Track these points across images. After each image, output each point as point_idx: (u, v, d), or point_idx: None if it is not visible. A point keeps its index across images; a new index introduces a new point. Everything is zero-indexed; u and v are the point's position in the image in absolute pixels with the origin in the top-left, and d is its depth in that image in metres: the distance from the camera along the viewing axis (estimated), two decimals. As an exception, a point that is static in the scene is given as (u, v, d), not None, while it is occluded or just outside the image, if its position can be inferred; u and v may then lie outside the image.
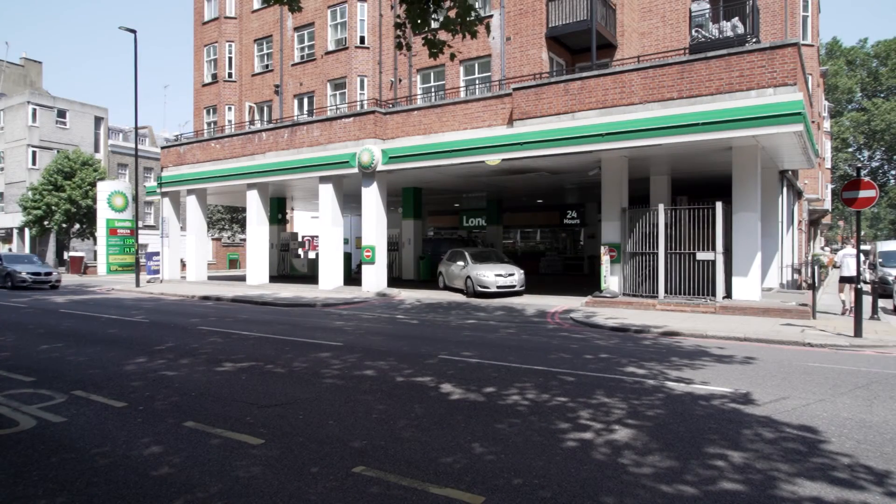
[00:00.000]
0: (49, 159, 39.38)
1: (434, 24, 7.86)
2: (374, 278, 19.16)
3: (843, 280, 14.29)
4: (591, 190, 23.02)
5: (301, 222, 39.56)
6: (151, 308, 15.81)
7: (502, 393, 6.36)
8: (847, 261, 14.20)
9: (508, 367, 7.80)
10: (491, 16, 21.22)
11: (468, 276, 17.98)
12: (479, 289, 17.43)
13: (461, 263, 18.99)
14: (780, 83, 12.44)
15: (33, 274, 22.83)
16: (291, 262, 28.99)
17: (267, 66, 27.93)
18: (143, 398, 6.09)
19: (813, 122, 19.16)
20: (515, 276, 17.68)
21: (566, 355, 8.68)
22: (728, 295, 14.47)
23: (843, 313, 13.95)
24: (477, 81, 21.81)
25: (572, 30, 19.60)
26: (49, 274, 23.36)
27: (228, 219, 39.44)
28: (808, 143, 14.09)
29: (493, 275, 17.45)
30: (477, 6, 21.80)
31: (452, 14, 7.68)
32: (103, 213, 28.61)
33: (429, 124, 18.00)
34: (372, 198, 19.16)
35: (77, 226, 36.23)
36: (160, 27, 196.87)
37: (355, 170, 18.91)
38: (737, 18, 16.51)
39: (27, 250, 41.02)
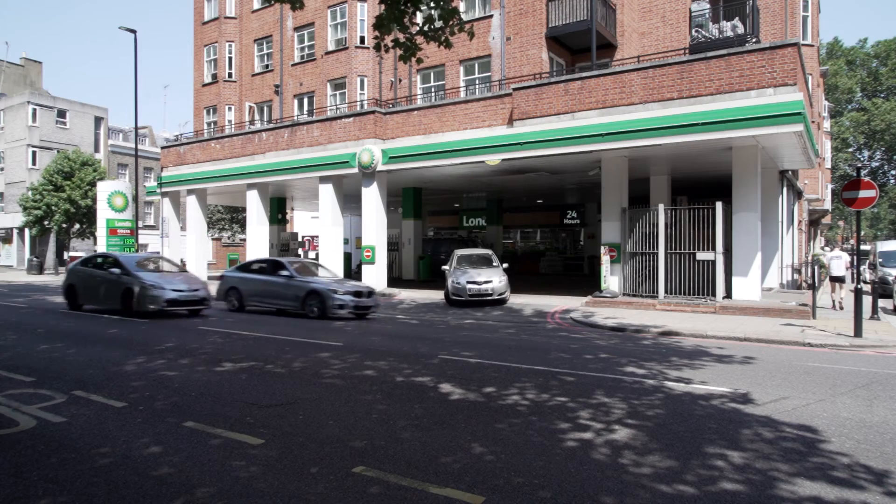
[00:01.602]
0: (49, 159, 39.34)
1: (413, 29, 7.79)
2: (374, 278, 19.16)
3: (833, 280, 16.08)
4: (591, 190, 23.03)
5: (301, 222, 39.51)
6: (151, 308, 15.78)
7: (502, 393, 6.36)
8: (834, 262, 15.95)
9: (508, 366, 7.80)
10: (491, 15, 21.21)
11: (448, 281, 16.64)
12: (452, 297, 16.00)
13: (446, 267, 17.74)
14: (780, 83, 12.45)
15: (354, 295, 13.77)
16: (291, 262, 28.92)
17: (267, 66, 27.93)
18: (143, 398, 6.09)
19: (813, 122, 19.16)
20: (493, 283, 15.79)
21: (566, 355, 8.68)
22: (728, 295, 14.48)
23: (832, 307, 15.61)
24: (477, 81, 21.80)
25: (572, 30, 19.60)
26: (371, 295, 14.28)
27: (228, 219, 39.40)
28: (808, 143, 14.09)
29: (465, 281, 15.79)
30: (476, 7, 21.82)
31: (424, 17, 7.66)
32: (103, 213, 28.55)
33: (429, 124, 17.99)
34: (372, 198, 19.16)
35: (77, 226, 36.19)
36: (160, 27, 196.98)
37: (355, 170, 18.91)
38: (737, 18, 16.51)
39: (27, 250, 41.01)
